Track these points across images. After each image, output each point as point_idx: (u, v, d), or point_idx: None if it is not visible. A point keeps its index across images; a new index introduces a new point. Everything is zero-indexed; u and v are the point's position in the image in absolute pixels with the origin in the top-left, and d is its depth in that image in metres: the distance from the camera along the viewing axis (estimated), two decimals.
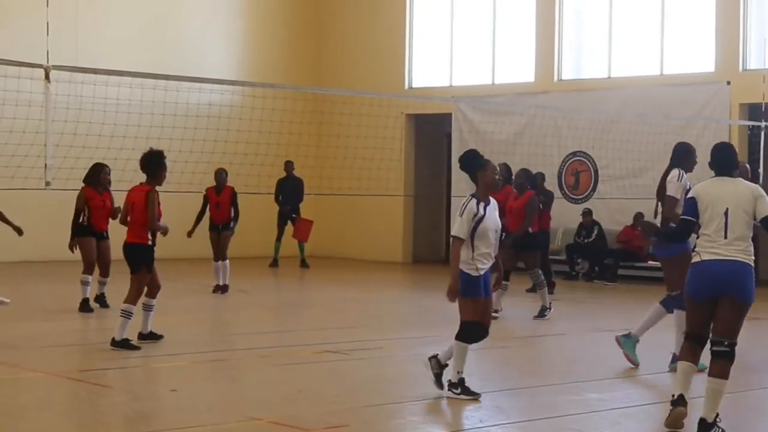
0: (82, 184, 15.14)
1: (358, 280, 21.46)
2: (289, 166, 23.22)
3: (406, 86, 25.99)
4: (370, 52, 26.48)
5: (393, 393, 9.78)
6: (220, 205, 17.72)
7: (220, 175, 17.82)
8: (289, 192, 23.28)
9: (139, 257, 11.87)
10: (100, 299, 15.31)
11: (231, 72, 25.33)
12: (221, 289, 17.70)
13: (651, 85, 21.99)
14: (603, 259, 21.31)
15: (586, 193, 22.99)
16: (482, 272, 9.32)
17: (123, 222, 12.27)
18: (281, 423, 8.39)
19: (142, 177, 12.12)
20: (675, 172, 10.91)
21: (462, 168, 9.58)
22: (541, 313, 15.38)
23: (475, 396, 9.36)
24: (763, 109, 20.30)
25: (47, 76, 12.43)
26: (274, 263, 23.50)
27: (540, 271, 15.43)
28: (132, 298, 11.80)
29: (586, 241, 21.86)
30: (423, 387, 9.99)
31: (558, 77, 23.64)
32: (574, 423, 8.81)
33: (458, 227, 9.29)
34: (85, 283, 15.05)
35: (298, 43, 27.32)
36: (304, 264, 23.66)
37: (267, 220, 23.95)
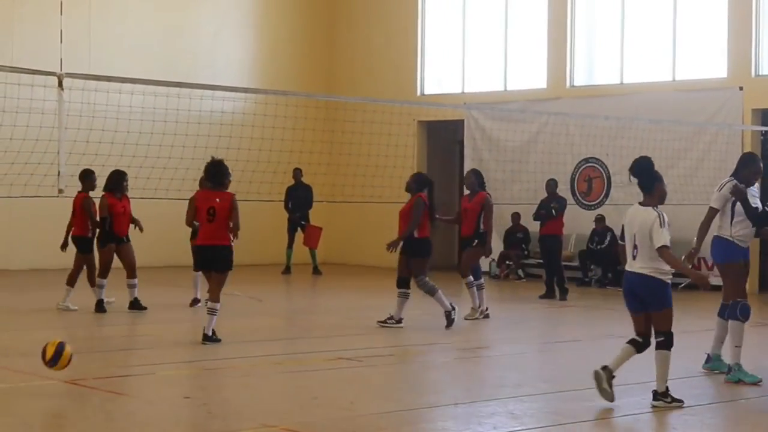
0: (102, 193, 15.46)
1: (371, 287, 21.43)
2: (297, 173, 23.25)
3: (418, 93, 25.99)
4: (382, 58, 26.50)
5: (406, 400, 9.77)
6: None
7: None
8: (298, 199, 23.32)
9: (230, 258, 12.69)
10: (135, 303, 15.69)
11: (243, 79, 25.35)
12: (198, 301, 16.26)
13: (663, 91, 21.95)
14: (616, 266, 21.24)
15: (599, 200, 22.96)
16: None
17: (190, 224, 12.81)
18: (295, 430, 8.39)
19: (156, 183, 12.22)
20: (723, 181, 10.96)
21: (637, 174, 9.55)
22: (449, 319, 14.69)
23: (680, 402, 9.46)
24: None
25: (60, 84, 12.43)
26: (287, 270, 23.53)
27: (426, 279, 14.65)
28: (218, 296, 12.66)
29: (599, 247, 21.83)
30: (436, 394, 9.98)
31: (570, 83, 23.62)
32: (588, 430, 8.81)
33: (665, 237, 9.24)
34: (100, 286, 15.64)
35: (310, 50, 27.35)
36: (316, 271, 23.67)
37: (279, 227, 23.97)
